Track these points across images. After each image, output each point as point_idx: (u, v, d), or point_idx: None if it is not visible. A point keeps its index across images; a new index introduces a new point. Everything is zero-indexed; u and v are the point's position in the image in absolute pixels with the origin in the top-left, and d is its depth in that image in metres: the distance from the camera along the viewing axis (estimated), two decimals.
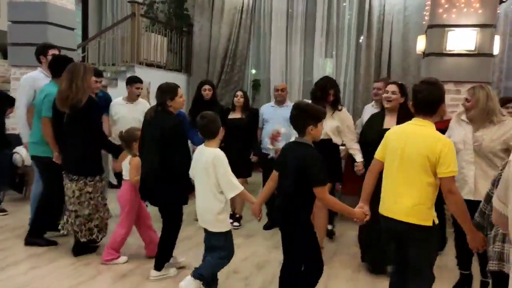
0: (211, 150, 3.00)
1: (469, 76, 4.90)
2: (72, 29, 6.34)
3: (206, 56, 8.78)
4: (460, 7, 4.88)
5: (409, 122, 2.53)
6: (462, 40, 4.85)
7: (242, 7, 8.54)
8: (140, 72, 7.74)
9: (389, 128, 2.88)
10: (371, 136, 3.58)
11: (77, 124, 3.66)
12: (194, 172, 3.11)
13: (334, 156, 4.06)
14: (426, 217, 2.41)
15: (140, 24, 7.94)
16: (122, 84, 6.77)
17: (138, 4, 7.81)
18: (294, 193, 2.64)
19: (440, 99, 2.49)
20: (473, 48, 4.83)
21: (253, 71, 8.93)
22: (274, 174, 2.86)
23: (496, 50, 4.94)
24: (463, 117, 3.24)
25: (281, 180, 2.77)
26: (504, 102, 4.05)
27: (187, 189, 3.40)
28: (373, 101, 4.72)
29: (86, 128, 3.67)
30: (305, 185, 2.59)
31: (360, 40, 8.18)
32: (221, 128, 3.10)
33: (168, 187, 3.31)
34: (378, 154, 2.66)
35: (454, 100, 4.98)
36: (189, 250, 4.03)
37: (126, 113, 4.88)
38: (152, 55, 8.19)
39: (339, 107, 4.05)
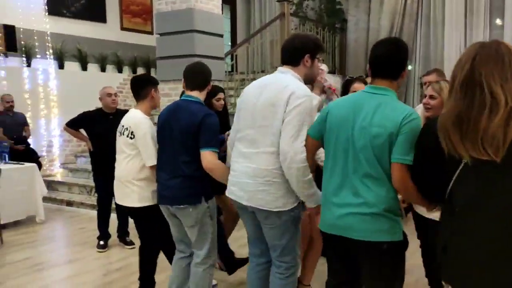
0: None
1: None
2: (220, 35, 5.41)
3: (364, 53, 7.21)
4: None
5: None
6: None
7: None
8: None
9: None
10: None
11: None
12: None
13: None
14: None
15: (290, 24, 6.76)
16: None
17: (287, 3, 6.65)
18: None
19: None
20: None
21: (410, 67, 7.00)
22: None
23: None
24: None
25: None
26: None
27: None
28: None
29: None
30: None
31: None
32: None
33: None
34: None
35: None
36: None
37: None
38: None
39: None
